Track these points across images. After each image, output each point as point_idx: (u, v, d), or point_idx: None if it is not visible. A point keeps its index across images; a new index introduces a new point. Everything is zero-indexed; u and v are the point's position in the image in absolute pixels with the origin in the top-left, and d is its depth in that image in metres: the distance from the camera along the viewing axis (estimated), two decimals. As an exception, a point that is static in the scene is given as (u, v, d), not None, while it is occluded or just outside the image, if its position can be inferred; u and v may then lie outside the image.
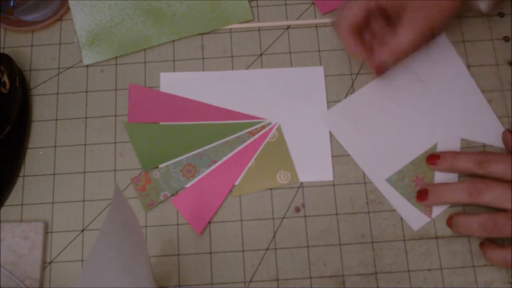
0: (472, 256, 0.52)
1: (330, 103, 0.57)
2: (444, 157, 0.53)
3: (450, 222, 0.52)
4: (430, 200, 0.52)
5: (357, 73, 0.58)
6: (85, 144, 0.56)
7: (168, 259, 0.52)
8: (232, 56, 0.59)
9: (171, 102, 0.57)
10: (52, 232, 0.53)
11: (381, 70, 0.54)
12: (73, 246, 0.53)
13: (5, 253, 0.51)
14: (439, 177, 0.54)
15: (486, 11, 0.56)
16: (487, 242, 0.51)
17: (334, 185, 0.54)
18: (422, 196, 0.53)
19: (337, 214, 0.54)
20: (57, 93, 0.58)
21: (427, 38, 0.54)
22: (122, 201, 0.39)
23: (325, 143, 0.56)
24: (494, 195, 0.48)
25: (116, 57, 0.59)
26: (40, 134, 0.56)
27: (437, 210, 0.53)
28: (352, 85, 0.58)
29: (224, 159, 0.55)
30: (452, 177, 0.54)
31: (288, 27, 0.60)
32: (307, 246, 0.53)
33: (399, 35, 0.51)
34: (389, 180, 0.54)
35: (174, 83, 0.58)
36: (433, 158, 0.54)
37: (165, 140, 0.56)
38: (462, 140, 0.55)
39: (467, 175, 0.53)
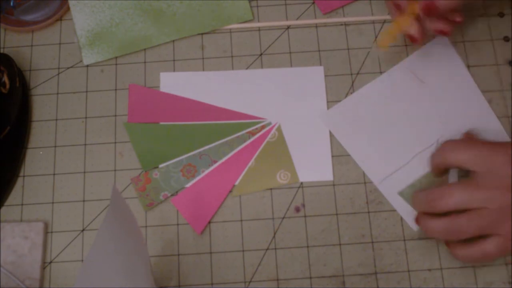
0: (472, 256, 0.52)
1: (330, 103, 0.57)
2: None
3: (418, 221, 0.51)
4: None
5: (357, 73, 0.58)
6: (85, 144, 0.56)
7: (168, 259, 0.52)
8: (232, 56, 0.59)
9: (171, 102, 0.57)
10: (52, 232, 0.53)
11: (430, 11, 0.51)
12: (73, 246, 0.53)
13: (5, 253, 0.51)
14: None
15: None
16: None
17: (334, 185, 0.54)
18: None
19: (337, 214, 0.54)
20: (57, 93, 0.58)
21: None
22: (120, 202, 0.39)
23: (325, 143, 0.56)
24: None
25: (116, 57, 0.59)
26: (40, 134, 0.56)
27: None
28: (352, 85, 0.58)
29: (224, 159, 0.55)
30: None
31: (288, 27, 0.60)
32: (307, 246, 0.53)
33: None
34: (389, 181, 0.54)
35: (174, 83, 0.58)
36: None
37: (165, 140, 0.56)
38: (462, 140, 0.55)
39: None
